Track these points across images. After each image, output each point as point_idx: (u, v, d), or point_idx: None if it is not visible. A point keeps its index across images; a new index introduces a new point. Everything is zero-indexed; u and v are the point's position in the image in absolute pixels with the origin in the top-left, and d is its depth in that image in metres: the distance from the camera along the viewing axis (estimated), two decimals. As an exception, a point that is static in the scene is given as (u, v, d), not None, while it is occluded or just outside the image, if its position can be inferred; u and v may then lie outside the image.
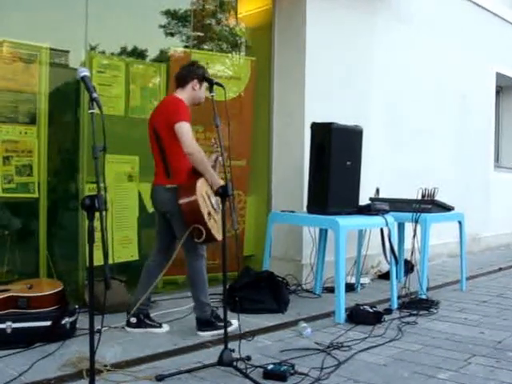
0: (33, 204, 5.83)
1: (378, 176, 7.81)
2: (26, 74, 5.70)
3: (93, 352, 3.19)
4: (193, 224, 4.83)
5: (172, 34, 7.40)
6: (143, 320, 5.22)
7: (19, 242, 5.91)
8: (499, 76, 11.49)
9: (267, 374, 4.04)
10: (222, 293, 4.63)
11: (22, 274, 5.60)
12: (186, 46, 7.32)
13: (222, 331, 4.48)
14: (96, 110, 3.20)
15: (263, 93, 7.61)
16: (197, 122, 6.94)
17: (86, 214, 3.15)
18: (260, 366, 4.15)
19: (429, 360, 4.52)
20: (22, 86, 5.69)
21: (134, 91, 6.50)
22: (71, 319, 4.83)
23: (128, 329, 5.17)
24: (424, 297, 6.49)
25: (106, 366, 4.21)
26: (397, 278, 6.45)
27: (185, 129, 4.93)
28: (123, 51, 6.84)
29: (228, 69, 7.40)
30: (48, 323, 4.68)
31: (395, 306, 6.16)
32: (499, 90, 12.30)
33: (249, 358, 4.33)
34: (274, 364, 4.17)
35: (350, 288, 6.73)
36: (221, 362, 4.11)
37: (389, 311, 5.97)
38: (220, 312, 5.04)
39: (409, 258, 7.19)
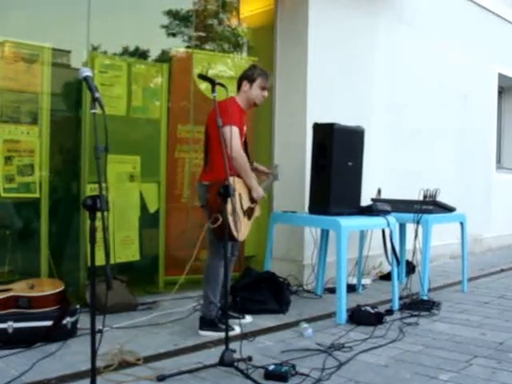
0: (34, 204, 5.83)
1: (379, 177, 7.81)
2: (28, 74, 5.70)
3: (94, 352, 3.19)
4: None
5: (174, 35, 7.41)
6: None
7: (21, 242, 5.92)
8: (501, 77, 11.49)
9: (268, 375, 4.03)
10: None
11: (23, 274, 5.59)
12: (187, 47, 7.33)
13: (222, 334, 4.47)
14: (98, 110, 3.20)
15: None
16: (199, 123, 6.95)
17: (88, 214, 3.15)
18: (261, 367, 4.14)
19: (430, 361, 4.51)
20: (24, 86, 5.69)
21: (136, 91, 6.50)
22: (72, 319, 4.83)
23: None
24: (425, 298, 6.48)
25: (139, 359, 4.29)
26: (398, 278, 6.45)
27: (232, 132, 5.05)
28: (125, 51, 6.85)
29: (230, 69, 7.40)
30: (49, 323, 4.68)
31: (396, 306, 6.16)
32: (501, 91, 12.29)
33: (250, 359, 4.33)
34: (275, 364, 4.16)
35: (351, 289, 6.73)
36: (222, 362, 4.12)
37: (390, 312, 5.96)
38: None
39: (410, 259, 7.19)
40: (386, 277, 7.47)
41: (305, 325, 5.22)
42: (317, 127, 6.29)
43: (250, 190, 5.40)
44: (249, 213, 5.42)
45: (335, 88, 7.54)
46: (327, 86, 7.42)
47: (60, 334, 4.71)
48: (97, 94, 3.22)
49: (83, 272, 6.10)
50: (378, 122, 8.13)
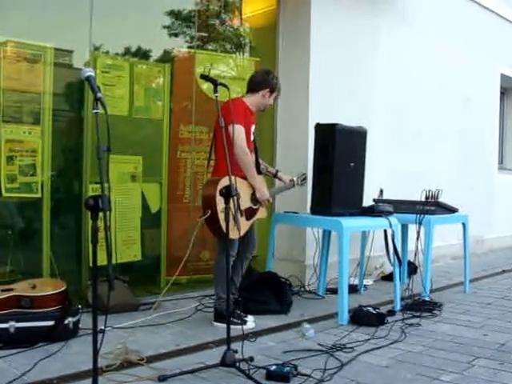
0: (36, 204, 5.83)
1: (381, 177, 7.80)
2: (31, 74, 5.70)
3: (96, 352, 3.19)
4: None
5: (176, 35, 7.40)
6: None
7: (22, 242, 5.92)
8: (503, 77, 11.49)
9: (270, 375, 4.03)
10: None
11: (25, 274, 5.59)
12: (190, 47, 7.32)
13: (236, 327, 4.69)
14: (100, 110, 3.20)
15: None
16: (201, 123, 6.97)
17: (90, 214, 3.15)
18: (263, 367, 4.14)
19: (432, 362, 4.51)
20: (27, 86, 5.69)
21: (138, 91, 6.50)
22: (74, 319, 4.83)
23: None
24: (427, 299, 6.48)
25: (142, 359, 4.30)
26: (400, 279, 6.44)
27: (235, 129, 5.16)
28: (127, 51, 6.85)
29: (232, 69, 7.40)
30: (51, 323, 4.68)
31: (398, 307, 6.16)
32: (503, 92, 12.29)
33: (251, 359, 4.32)
34: (276, 365, 4.16)
35: (353, 289, 6.71)
36: (223, 362, 4.11)
37: (392, 313, 5.96)
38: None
39: (412, 260, 7.20)
40: (388, 277, 7.45)
41: (306, 325, 5.22)
42: (319, 128, 6.29)
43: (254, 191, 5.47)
44: (248, 213, 5.44)
45: (337, 88, 7.53)
46: (329, 86, 7.42)
47: (62, 333, 4.70)
48: (99, 94, 3.21)
49: (85, 272, 6.10)
50: (379, 122, 8.12)
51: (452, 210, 6.94)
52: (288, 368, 4.10)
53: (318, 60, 7.30)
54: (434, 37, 9.31)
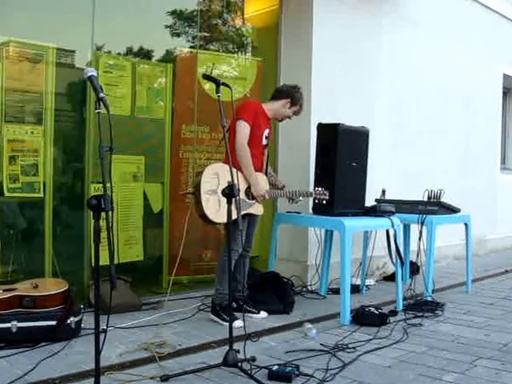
0: (38, 204, 5.83)
1: (383, 177, 7.79)
2: (33, 74, 5.70)
3: (98, 352, 3.20)
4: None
5: (178, 35, 7.40)
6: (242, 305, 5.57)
7: (25, 242, 5.93)
8: (506, 77, 11.47)
9: (272, 375, 4.03)
10: (227, 293, 4.62)
11: (27, 274, 5.59)
12: (192, 47, 7.32)
13: (224, 323, 5.13)
14: (103, 110, 3.20)
15: (269, 93, 7.56)
16: (203, 123, 6.97)
17: (92, 214, 3.15)
18: (265, 367, 4.14)
19: (434, 362, 4.51)
20: (29, 86, 5.69)
21: (140, 91, 6.50)
22: (76, 319, 4.83)
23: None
24: (429, 299, 6.48)
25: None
26: (402, 279, 6.44)
27: (238, 126, 5.45)
28: (129, 51, 6.85)
29: (234, 69, 7.40)
30: (53, 323, 4.68)
31: (400, 307, 6.16)
32: (506, 92, 12.27)
33: (254, 359, 4.31)
34: (278, 365, 4.17)
35: (355, 289, 6.71)
36: (226, 362, 4.11)
37: (394, 313, 5.95)
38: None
39: (414, 260, 7.19)
40: (390, 277, 7.45)
41: (309, 325, 5.22)
42: (321, 127, 6.30)
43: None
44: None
45: (339, 88, 7.53)
46: (331, 86, 7.41)
47: (64, 333, 4.70)
48: (101, 94, 3.22)
49: (87, 272, 6.09)
50: (382, 122, 8.12)
51: (454, 210, 6.94)
52: (290, 368, 4.10)
53: (320, 60, 7.30)
54: (437, 37, 9.31)
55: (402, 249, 6.40)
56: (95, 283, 3.33)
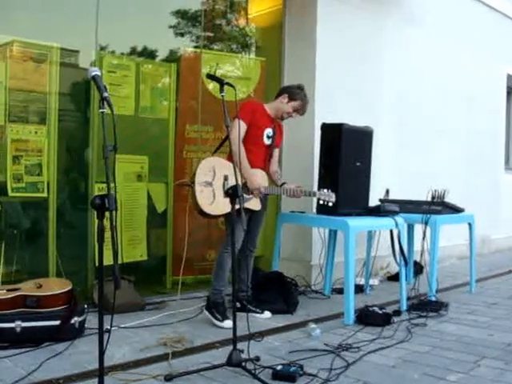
0: (42, 204, 5.84)
1: (387, 177, 7.79)
2: (37, 74, 5.71)
3: (102, 352, 3.20)
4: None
5: (182, 34, 7.41)
6: (246, 306, 5.65)
7: (28, 242, 5.93)
8: (510, 77, 11.46)
9: (276, 375, 4.03)
10: (231, 293, 4.61)
11: (31, 274, 5.59)
12: (196, 46, 7.33)
13: (216, 322, 5.34)
14: (107, 110, 3.20)
15: (273, 93, 7.53)
16: (207, 123, 6.97)
17: (96, 214, 3.15)
18: (269, 367, 4.14)
19: (438, 362, 4.50)
20: (33, 86, 5.70)
21: (144, 91, 6.51)
22: (80, 319, 4.84)
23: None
24: (433, 298, 6.47)
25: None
26: (406, 279, 6.42)
27: (234, 125, 5.36)
28: (133, 51, 6.85)
29: (238, 69, 7.40)
30: (57, 322, 4.68)
31: (404, 307, 6.15)
32: (510, 91, 12.25)
33: (258, 359, 4.32)
34: (282, 365, 4.17)
35: (359, 289, 6.70)
36: (229, 362, 4.10)
37: (398, 313, 5.94)
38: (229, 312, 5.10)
39: (418, 260, 7.19)
40: (394, 277, 7.45)
41: (312, 325, 5.22)
42: (325, 127, 6.29)
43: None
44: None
45: (343, 88, 7.52)
46: (335, 86, 7.41)
47: (68, 333, 4.71)
48: (105, 94, 3.21)
49: (91, 271, 6.10)
50: (385, 122, 8.11)
51: (458, 210, 6.93)
52: (294, 368, 4.10)
53: (324, 60, 7.30)
54: (441, 37, 9.30)
55: (405, 249, 6.39)
56: (99, 283, 3.33)
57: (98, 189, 6.00)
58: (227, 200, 4.80)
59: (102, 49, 6.36)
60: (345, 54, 7.56)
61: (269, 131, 5.81)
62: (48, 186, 5.79)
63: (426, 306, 6.17)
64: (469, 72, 10.08)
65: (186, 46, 7.28)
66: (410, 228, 7.43)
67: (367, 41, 7.92)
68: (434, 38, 9.17)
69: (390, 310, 5.91)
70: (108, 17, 6.07)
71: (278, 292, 6.07)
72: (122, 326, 5.19)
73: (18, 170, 5.61)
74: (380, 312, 5.63)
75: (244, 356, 4.18)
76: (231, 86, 4.65)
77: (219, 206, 5.37)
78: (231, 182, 5.32)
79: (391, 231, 6.21)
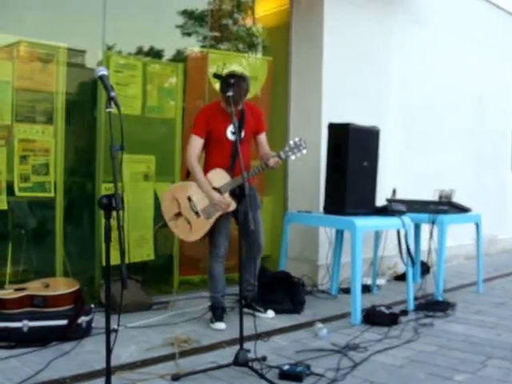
0: (49, 203, 5.85)
1: (394, 177, 7.78)
2: (44, 74, 5.72)
3: (109, 351, 3.20)
4: None
5: (189, 34, 7.40)
6: (250, 303, 5.74)
7: (35, 241, 5.94)
8: (517, 76, 11.43)
9: (283, 375, 4.04)
10: (238, 293, 4.61)
11: (38, 273, 5.61)
12: (203, 46, 7.33)
13: (210, 324, 5.38)
14: (114, 109, 3.20)
15: (280, 93, 7.60)
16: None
17: (104, 213, 3.16)
18: (276, 367, 4.14)
19: (445, 362, 4.50)
20: (40, 86, 5.71)
21: (151, 91, 6.51)
22: (87, 318, 4.84)
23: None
24: (440, 298, 6.46)
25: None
26: (413, 279, 6.41)
27: (189, 141, 5.50)
28: (140, 51, 6.85)
29: (244, 69, 7.39)
30: (64, 322, 4.70)
31: (411, 307, 6.14)
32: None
33: (264, 359, 4.33)
34: (289, 365, 4.17)
35: (366, 289, 6.69)
36: (236, 362, 4.10)
37: (405, 313, 5.94)
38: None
39: (425, 260, 7.18)
40: (401, 277, 7.43)
41: (319, 325, 5.22)
42: (332, 127, 6.29)
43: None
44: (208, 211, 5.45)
45: (350, 88, 7.51)
46: (342, 86, 7.40)
47: (75, 333, 4.72)
48: (112, 93, 3.22)
49: (98, 271, 6.11)
50: (392, 122, 8.09)
51: (465, 210, 6.92)
52: (301, 368, 4.10)
53: (330, 59, 7.29)
54: (448, 37, 9.28)
55: (412, 248, 6.39)
56: (106, 283, 3.33)
57: (104, 188, 6.00)
58: (201, 219, 4.87)
59: (109, 49, 6.37)
60: (351, 54, 7.54)
61: (231, 127, 5.48)
62: (55, 185, 5.80)
63: (433, 306, 6.16)
64: (475, 71, 10.05)
65: (192, 46, 7.28)
66: (417, 228, 7.43)
67: (374, 41, 7.91)
68: (441, 38, 9.15)
69: (396, 309, 5.91)
70: (115, 17, 6.07)
71: (285, 292, 6.08)
72: (129, 325, 5.20)
73: (25, 169, 5.62)
74: (387, 312, 5.63)
75: (251, 356, 4.18)
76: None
77: (198, 228, 5.42)
78: (196, 199, 5.40)
79: (398, 231, 6.20)
